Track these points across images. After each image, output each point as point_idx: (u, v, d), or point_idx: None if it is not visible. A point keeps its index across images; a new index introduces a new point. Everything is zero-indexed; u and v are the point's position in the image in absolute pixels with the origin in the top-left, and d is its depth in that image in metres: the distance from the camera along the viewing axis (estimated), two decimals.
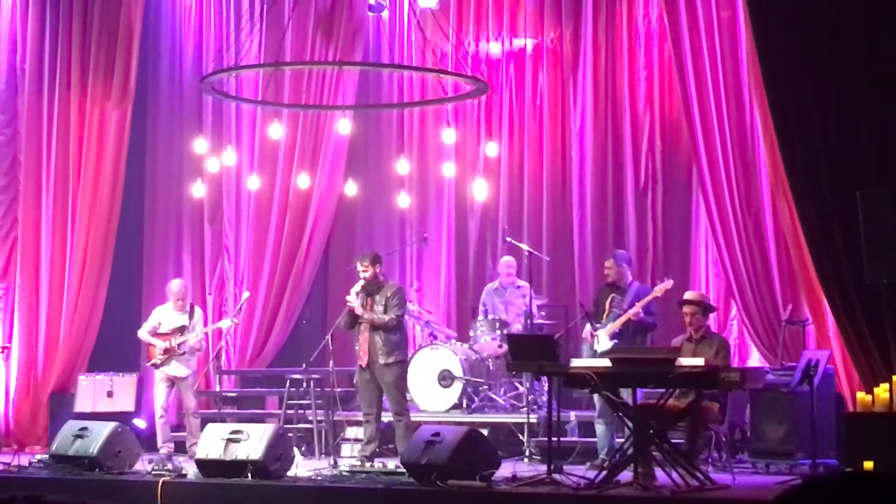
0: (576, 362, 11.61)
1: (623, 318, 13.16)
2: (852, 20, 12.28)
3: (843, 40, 12.33)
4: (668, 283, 13.23)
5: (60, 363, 16.05)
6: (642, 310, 13.14)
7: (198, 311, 14.76)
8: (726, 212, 14.50)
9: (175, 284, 14.82)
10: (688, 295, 12.60)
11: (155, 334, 14.37)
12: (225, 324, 15.21)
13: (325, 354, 13.60)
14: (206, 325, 15.02)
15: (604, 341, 13.10)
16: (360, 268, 13.16)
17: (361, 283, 13.10)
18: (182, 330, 14.31)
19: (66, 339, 16.10)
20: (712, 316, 13.02)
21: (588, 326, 13.41)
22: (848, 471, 10.66)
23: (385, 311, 13.04)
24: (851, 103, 12.28)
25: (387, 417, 13.45)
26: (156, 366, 14.30)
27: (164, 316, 14.50)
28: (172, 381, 14.32)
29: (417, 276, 17.06)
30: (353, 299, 13.04)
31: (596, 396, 12.69)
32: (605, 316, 13.40)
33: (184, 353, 14.26)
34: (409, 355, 14.88)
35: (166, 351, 14.20)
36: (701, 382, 10.87)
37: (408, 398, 14.47)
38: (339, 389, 13.91)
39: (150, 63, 17.49)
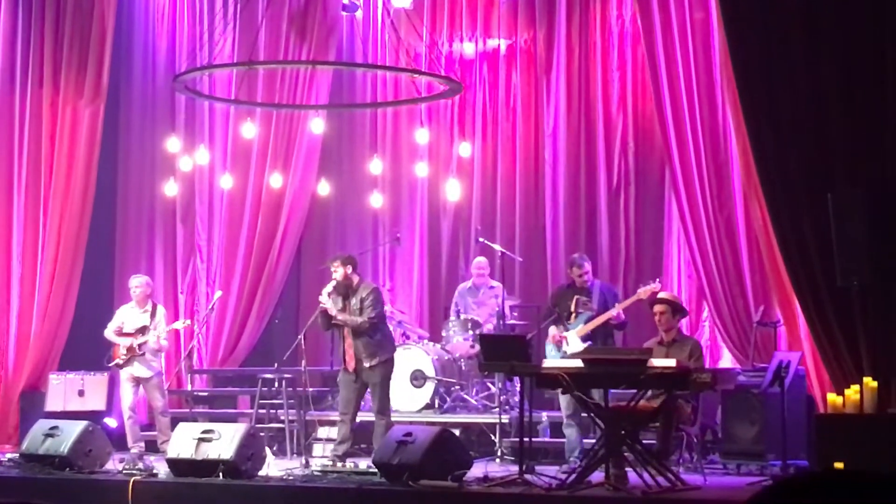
0: (548, 363, 11.62)
1: (601, 320, 13.09)
2: (826, 23, 12.31)
3: (816, 43, 12.36)
4: (656, 286, 13.15)
5: (31, 362, 15.96)
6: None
7: (160, 309, 14.68)
8: (698, 213, 14.53)
9: (132, 280, 14.75)
10: (660, 294, 12.62)
11: (119, 334, 14.33)
12: (179, 325, 15.17)
13: (298, 354, 13.58)
14: (168, 324, 14.93)
15: (574, 343, 13.04)
16: (331, 269, 13.17)
17: (333, 283, 13.10)
18: (143, 330, 14.25)
19: (36, 338, 16.02)
20: (684, 319, 13.03)
21: (553, 329, 13.36)
22: (821, 470, 10.70)
23: (360, 313, 13.03)
24: (824, 105, 12.31)
25: (361, 417, 13.44)
26: (119, 366, 14.25)
27: (127, 315, 14.46)
28: (138, 381, 14.27)
29: (390, 275, 17.07)
30: (326, 300, 13.03)
31: (564, 400, 12.69)
32: (572, 317, 13.36)
33: (143, 353, 14.19)
34: None
35: (129, 350, 14.16)
36: (673, 383, 10.89)
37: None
38: (311, 389, 13.89)
39: (123, 61, 17.43)
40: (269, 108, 16.57)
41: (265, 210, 16.82)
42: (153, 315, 14.41)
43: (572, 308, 13.33)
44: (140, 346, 14.16)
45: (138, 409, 14.53)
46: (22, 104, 16.28)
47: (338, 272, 13.08)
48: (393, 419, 13.50)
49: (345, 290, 13.12)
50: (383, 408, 13.13)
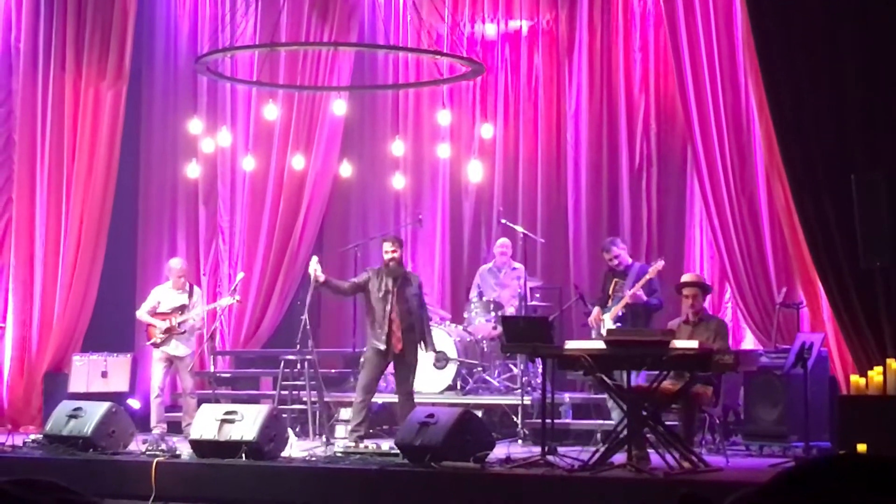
0: (570, 344, 11.61)
1: (623, 302, 13.22)
2: (847, 3, 12.27)
3: (838, 23, 12.33)
4: (660, 264, 13.40)
5: (55, 343, 16.03)
6: (642, 291, 13.21)
7: (197, 290, 14.79)
8: (721, 194, 14.50)
9: (175, 262, 14.85)
10: (686, 277, 12.62)
11: (154, 314, 14.39)
12: (226, 301, 15.19)
13: (304, 335, 13.61)
14: (205, 304, 15.00)
15: (608, 325, 13.15)
16: (388, 248, 13.25)
17: (317, 267, 13.16)
18: (182, 309, 14.31)
19: (60, 320, 16.08)
20: (708, 298, 13.04)
21: (595, 311, 13.46)
22: (842, 453, 10.68)
23: (420, 306, 13.32)
24: (846, 86, 12.28)
25: (385, 399, 13.53)
26: (155, 345, 14.30)
27: (163, 295, 14.50)
28: (170, 361, 14.32)
29: (412, 257, 17.05)
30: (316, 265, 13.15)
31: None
32: (609, 301, 13.48)
33: (184, 332, 14.27)
34: None
35: (167, 330, 14.21)
36: (695, 365, 10.89)
37: None
38: (333, 371, 13.90)
39: (145, 43, 17.45)
40: (291, 90, 16.57)
41: (287, 192, 16.82)
42: (191, 295, 14.48)
43: (609, 291, 13.45)
44: (180, 324, 14.23)
45: (165, 390, 14.57)
46: (45, 87, 16.32)
47: (396, 253, 13.18)
48: (415, 401, 13.57)
49: (395, 274, 13.16)
50: (412, 388, 13.38)
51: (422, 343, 13.24)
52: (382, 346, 13.09)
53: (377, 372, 13.20)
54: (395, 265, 13.19)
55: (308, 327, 13.43)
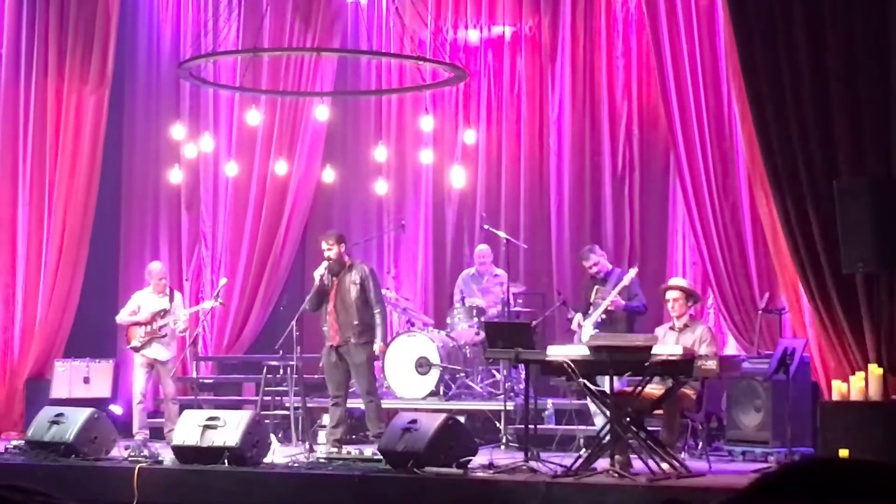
0: (553, 350, 11.62)
1: (602, 307, 13.24)
2: (830, 10, 12.29)
3: (820, 31, 12.34)
4: (633, 272, 13.59)
5: (36, 349, 15.98)
6: (620, 297, 13.24)
7: (177, 294, 14.75)
8: (704, 200, 14.52)
9: (155, 266, 14.83)
10: (672, 281, 12.66)
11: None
12: (209, 304, 15.19)
13: (292, 341, 13.60)
14: (187, 307, 14.97)
15: (587, 331, 13.16)
16: (325, 246, 13.20)
17: (325, 263, 13.14)
18: (163, 313, 14.27)
19: (42, 325, 16.04)
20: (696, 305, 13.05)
21: (577, 317, 13.46)
22: (825, 457, 10.69)
23: (365, 296, 13.08)
24: (828, 92, 12.29)
25: (353, 403, 13.52)
26: (135, 349, 14.26)
27: (144, 300, 14.45)
28: (152, 366, 14.27)
29: (395, 262, 17.06)
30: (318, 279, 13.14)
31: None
32: (591, 308, 13.51)
33: (165, 335, 14.23)
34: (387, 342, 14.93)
35: (148, 333, 14.17)
36: (677, 370, 10.90)
37: (385, 382, 14.55)
38: (317, 376, 13.90)
39: (128, 48, 17.43)
40: (273, 96, 16.55)
41: (270, 197, 16.81)
42: (171, 299, 14.45)
43: (591, 299, 13.47)
44: (161, 328, 14.20)
45: (148, 396, 14.54)
46: (27, 92, 16.28)
47: (332, 250, 13.13)
48: (398, 406, 13.53)
49: (337, 269, 13.16)
50: (371, 388, 13.29)
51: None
52: (329, 342, 13.15)
53: (337, 373, 13.16)
54: (333, 263, 13.18)
55: (297, 334, 13.41)
